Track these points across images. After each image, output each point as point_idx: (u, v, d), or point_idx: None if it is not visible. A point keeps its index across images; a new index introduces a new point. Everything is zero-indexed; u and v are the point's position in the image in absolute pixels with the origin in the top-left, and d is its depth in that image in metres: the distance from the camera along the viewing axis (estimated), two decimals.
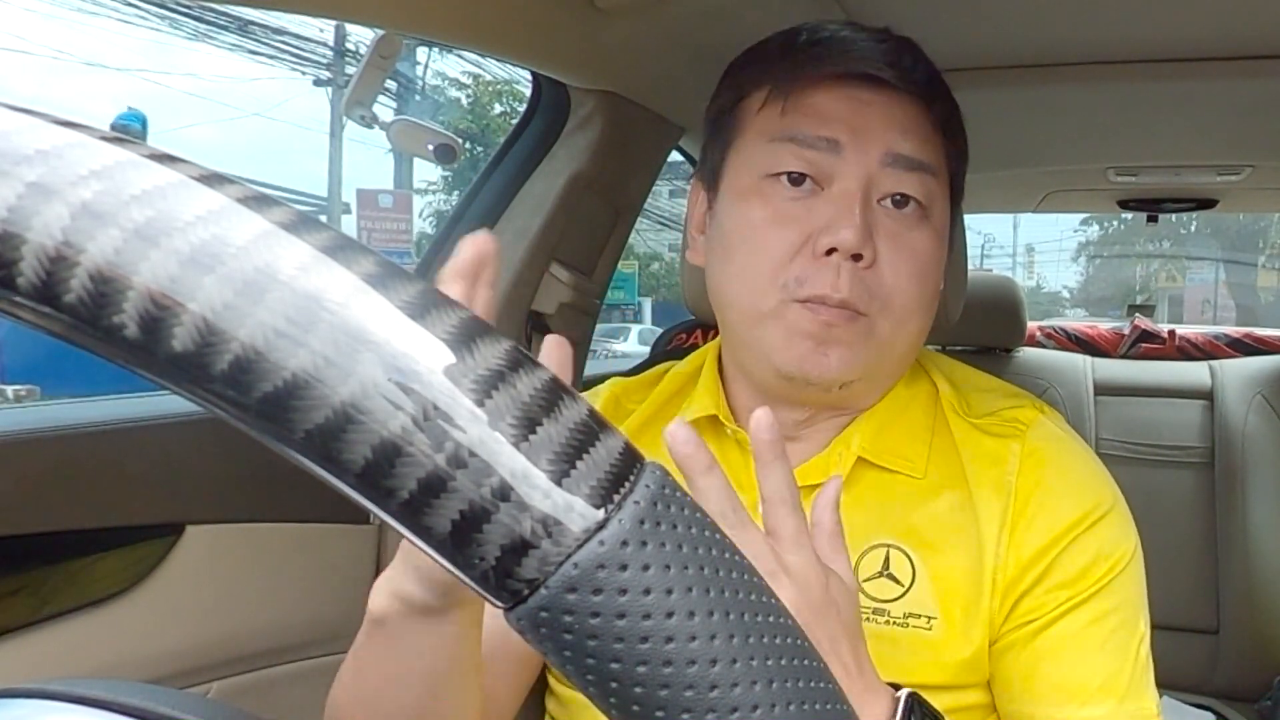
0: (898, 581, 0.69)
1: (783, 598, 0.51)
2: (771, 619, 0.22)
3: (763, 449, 0.54)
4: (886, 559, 0.70)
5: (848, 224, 0.66)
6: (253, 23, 10.54)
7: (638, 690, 0.20)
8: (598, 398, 0.83)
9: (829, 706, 0.22)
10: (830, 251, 0.67)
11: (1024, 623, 0.68)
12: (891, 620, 0.69)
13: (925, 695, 0.62)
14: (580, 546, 0.20)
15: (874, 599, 0.69)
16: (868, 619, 0.68)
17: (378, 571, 1.14)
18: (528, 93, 1.26)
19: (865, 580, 0.69)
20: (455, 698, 0.61)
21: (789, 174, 0.69)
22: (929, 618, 0.68)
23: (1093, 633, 0.67)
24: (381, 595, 0.57)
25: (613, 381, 0.86)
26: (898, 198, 0.70)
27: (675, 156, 1.41)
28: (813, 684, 0.22)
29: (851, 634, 0.56)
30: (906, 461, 0.72)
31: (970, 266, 0.98)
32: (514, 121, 1.32)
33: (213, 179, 0.20)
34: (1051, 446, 0.73)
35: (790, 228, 0.68)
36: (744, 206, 0.71)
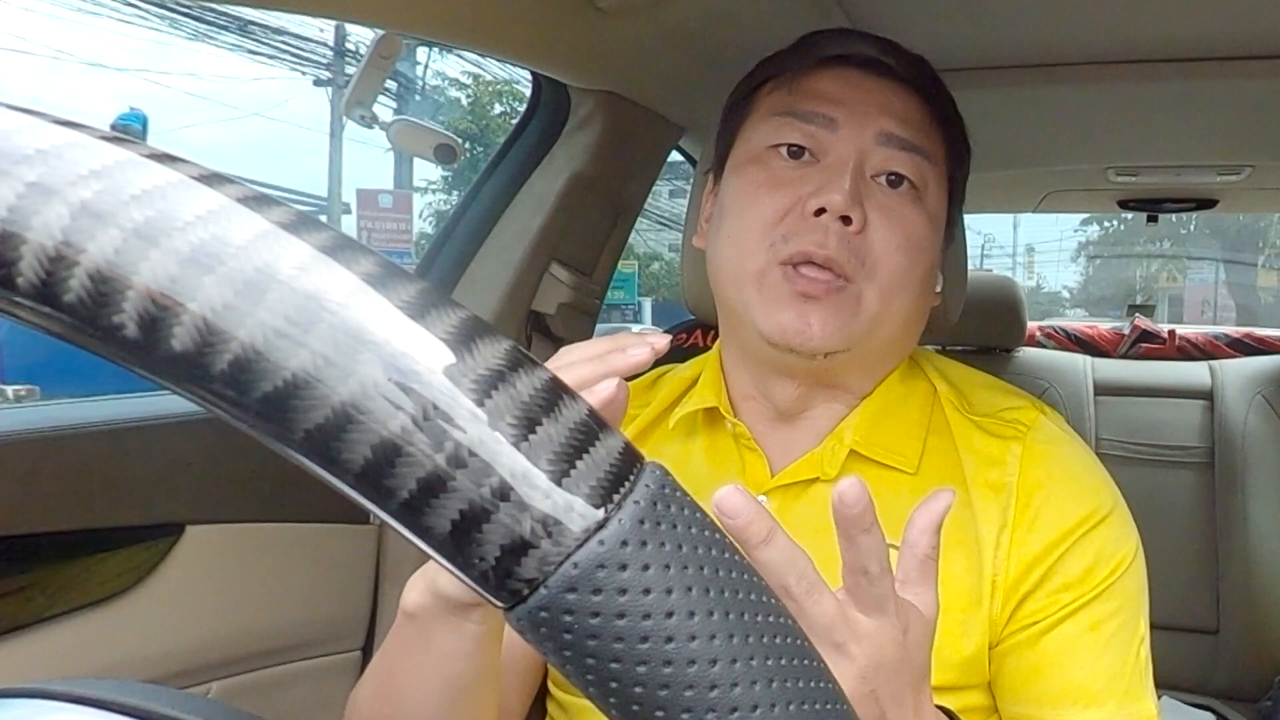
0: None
1: (851, 667, 0.48)
2: (771, 619, 0.22)
3: (849, 524, 0.47)
4: None
5: (837, 188, 0.68)
6: (253, 23, 10.53)
7: (637, 690, 0.20)
8: None
9: (829, 706, 0.22)
10: (819, 213, 0.68)
11: (1026, 625, 0.68)
12: None
13: None
14: (580, 546, 0.20)
15: None
16: None
17: (378, 571, 1.14)
18: (528, 93, 1.26)
19: None
20: (474, 708, 0.62)
21: (788, 146, 0.72)
22: None
23: (1095, 635, 0.68)
24: (415, 590, 0.58)
25: None
26: (892, 177, 0.72)
27: (675, 156, 1.41)
28: (813, 684, 0.22)
29: (918, 682, 0.51)
30: (899, 456, 0.72)
31: (970, 266, 0.98)
32: (514, 121, 1.32)
33: (212, 179, 0.20)
34: (1052, 449, 0.73)
35: (783, 191, 0.71)
36: (743, 175, 0.74)
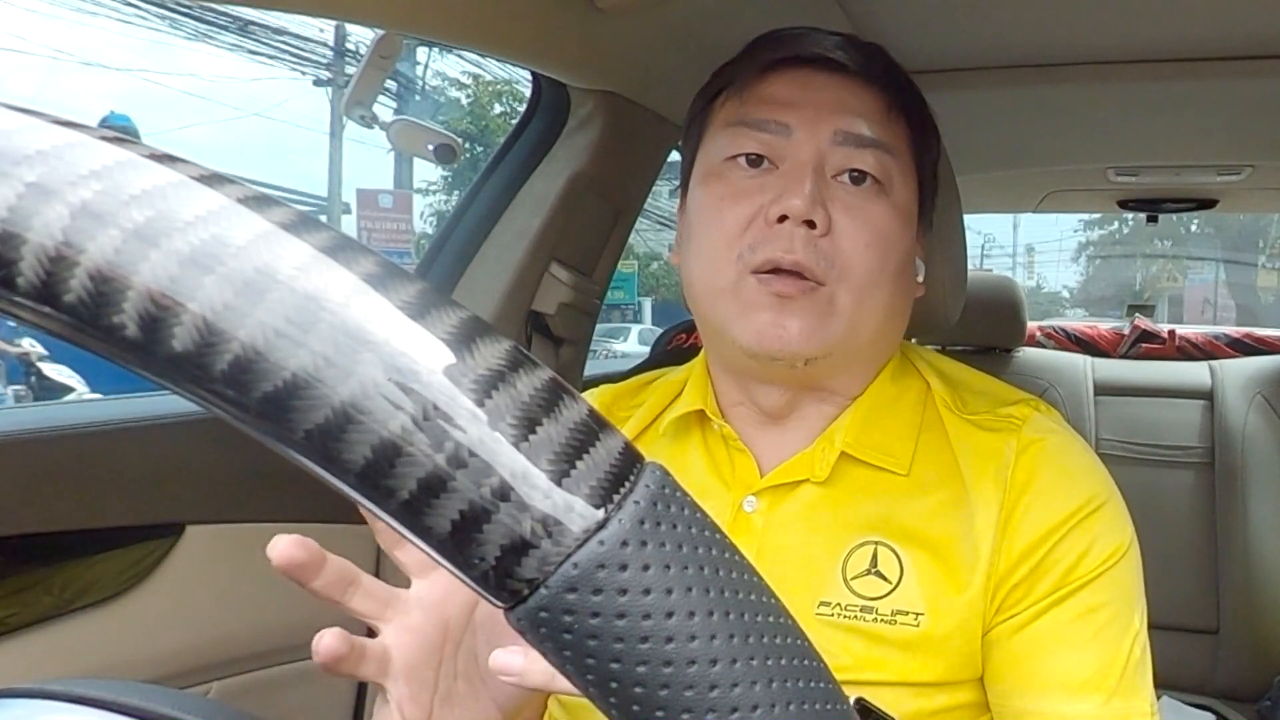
0: (885, 579, 0.69)
1: None
2: (771, 619, 0.22)
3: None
4: (874, 556, 0.70)
5: (797, 193, 0.68)
6: (253, 23, 10.53)
7: (638, 690, 0.20)
8: None
9: (829, 706, 0.22)
10: (782, 219, 0.68)
11: (1014, 614, 0.68)
12: (879, 618, 0.69)
13: (918, 692, 0.62)
14: (580, 546, 0.20)
15: (861, 596, 0.69)
16: (855, 617, 0.68)
17: (378, 572, 1.14)
18: (528, 93, 1.26)
19: (853, 578, 0.70)
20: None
21: (745, 155, 0.72)
22: (916, 614, 0.68)
23: (1082, 626, 0.67)
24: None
25: (602, 390, 0.86)
26: (855, 174, 0.71)
27: (675, 156, 1.41)
28: (812, 684, 0.22)
29: None
30: (891, 458, 0.72)
31: (970, 266, 0.98)
32: (514, 121, 1.32)
33: (212, 179, 0.20)
34: (1046, 441, 0.73)
35: (745, 202, 0.70)
36: (705, 189, 0.74)
